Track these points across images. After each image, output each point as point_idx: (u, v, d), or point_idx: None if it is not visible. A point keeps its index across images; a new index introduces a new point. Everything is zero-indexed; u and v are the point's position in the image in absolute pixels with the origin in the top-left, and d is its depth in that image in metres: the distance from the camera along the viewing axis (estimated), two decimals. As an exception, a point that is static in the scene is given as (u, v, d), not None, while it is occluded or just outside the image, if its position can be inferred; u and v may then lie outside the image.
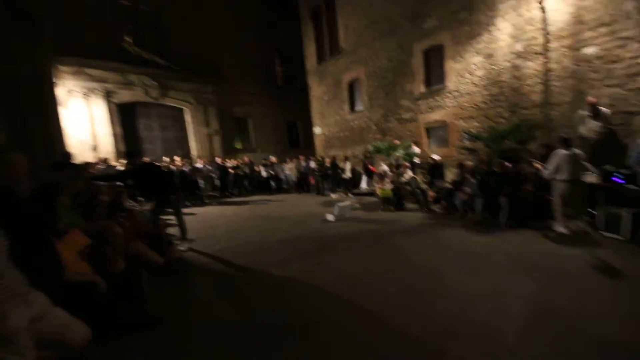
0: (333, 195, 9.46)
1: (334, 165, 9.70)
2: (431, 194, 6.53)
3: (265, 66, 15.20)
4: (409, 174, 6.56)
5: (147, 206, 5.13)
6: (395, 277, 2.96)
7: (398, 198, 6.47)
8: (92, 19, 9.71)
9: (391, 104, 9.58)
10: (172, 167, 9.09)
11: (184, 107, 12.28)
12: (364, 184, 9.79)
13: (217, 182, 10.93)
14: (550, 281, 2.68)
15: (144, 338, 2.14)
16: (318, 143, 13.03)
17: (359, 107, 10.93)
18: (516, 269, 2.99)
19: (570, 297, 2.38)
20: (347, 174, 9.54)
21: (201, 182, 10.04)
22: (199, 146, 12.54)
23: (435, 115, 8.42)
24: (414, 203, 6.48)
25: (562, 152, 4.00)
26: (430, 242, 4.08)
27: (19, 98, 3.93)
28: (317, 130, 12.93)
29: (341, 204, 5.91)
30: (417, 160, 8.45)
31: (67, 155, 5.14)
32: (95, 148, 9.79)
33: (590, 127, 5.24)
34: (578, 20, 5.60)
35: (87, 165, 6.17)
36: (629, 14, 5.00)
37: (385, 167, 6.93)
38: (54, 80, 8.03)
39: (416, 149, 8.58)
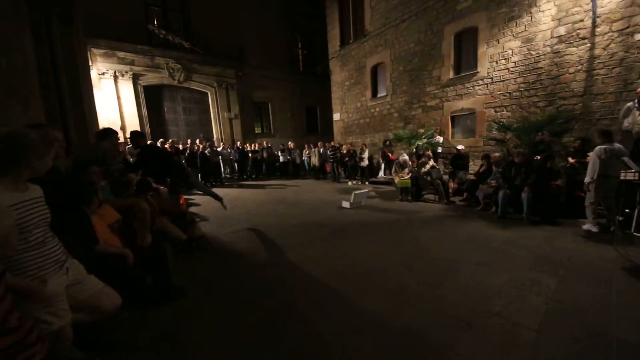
0: (350, 183, 9.42)
1: (352, 152, 9.59)
2: (452, 185, 6.32)
3: (287, 50, 15.00)
4: (430, 163, 6.35)
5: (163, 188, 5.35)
6: (409, 268, 2.93)
7: (417, 188, 6.32)
8: (120, 1, 9.92)
9: (416, 90, 9.21)
10: (194, 149, 9.44)
11: (207, 91, 12.48)
12: (382, 173, 9.65)
13: (236, 165, 11.24)
14: (573, 279, 2.55)
15: (166, 308, 2.30)
16: (337, 129, 12.88)
17: (382, 93, 10.61)
18: (537, 266, 2.87)
19: (593, 296, 2.26)
20: (365, 162, 9.42)
21: (221, 165, 10.37)
22: (220, 130, 12.79)
23: (463, 103, 8.01)
24: (434, 194, 6.31)
25: (603, 147, 3.71)
26: (448, 234, 3.98)
27: (57, 79, 4.13)
28: (336, 116, 12.75)
29: (357, 192, 5.86)
30: (440, 149, 8.17)
31: (110, 133, 5.34)
32: (123, 129, 10.25)
33: (636, 120, 4.77)
34: (632, 2, 5.03)
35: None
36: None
37: (405, 157, 6.74)
38: (89, 62, 8.39)
39: (439, 138, 8.27)
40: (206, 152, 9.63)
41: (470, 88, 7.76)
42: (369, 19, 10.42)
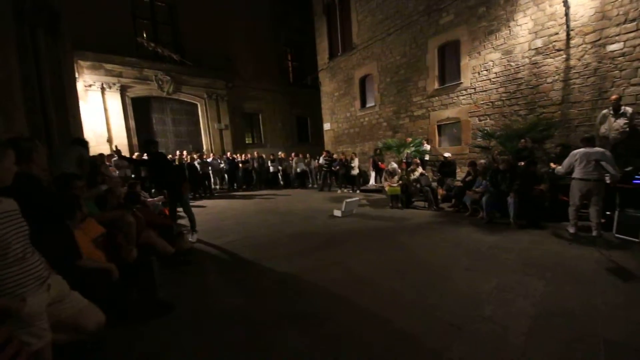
0: (339, 191, 9.46)
1: (344, 161, 9.67)
2: (441, 192, 6.43)
3: (277, 62, 15.22)
4: (418, 171, 6.47)
5: (158, 198, 5.28)
6: (400, 274, 2.94)
7: (407, 196, 6.40)
8: (108, 14, 9.95)
9: (403, 100, 9.45)
10: (182, 160, 9.32)
11: (197, 102, 12.46)
12: (372, 181, 9.74)
13: (226, 176, 11.15)
14: (560, 281, 2.61)
15: (153, 324, 2.22)
16: (327, 139, 13.01)
17: (370, 103, 10.83)
18: (525, 269, 2.93)
19: (580, 298, 2.32)
20: (356, 171, 9.50)
21: (211, 176, 10.26)
22: (210, 141, 12.73)
23: (449, 113, 8.25)
24: (423, 201, 6.40)
25: (581, 150, 3.86)
26: (438, 240, 4.02)
27: (42, 92, 4.07)
28: (327, 126, 12.91)
29: (349, 200, 5.89)
30: (427, 157, 8.33)
31: (84, 142, 5.32)
32: (110, 141, 10.07)
33: (612, 127, 5.04)
34: (603, 16, 5.36)
35: (102, 157, 6.37)
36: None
37: (394, 165, 6.86)
38: (75, 74, 8.29)
39: (427, 147, 8.46)
40: (195, 163, 9.53)
41: (455, 98, 8.02)
42: (357, 33, 10.73)
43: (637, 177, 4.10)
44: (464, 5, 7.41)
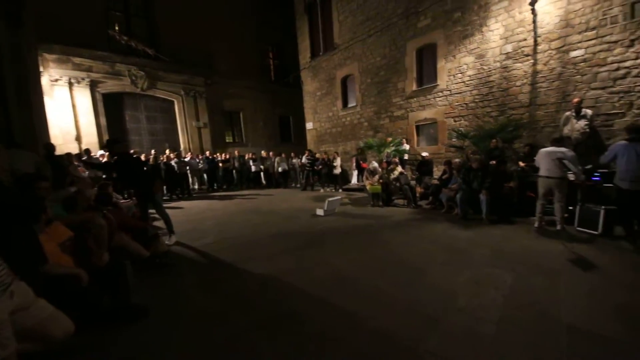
0: (322, 190, 9.51)
1: (327, 160, 9.73)
2: (419, 190, 6.64)
3: (258, 60, 15.01)
4: (398, 170, 6.64)
5: (131, 199, 5.06)
6: (381, 271, 3.01)
7: (387, 194, 6.55)
8: (77, 5, 9.38)
9: (383, 101, 9.63)
10: (157, 159, 8.96)
11: (173, 99, 12.03)
12: (354, 180, 9.87)
13: (205, 176, 10.85)
14: (528, 273, 2.78)
15: (127, 330, 2.13)
16: (310, 138, 13.01)
17: (352, 103, 10.94)
18: (496, 262, 3.10)
19: (545, 288, 2.49)
20: (338, 170, 9.59)
21: (189, 176, 9.94)
22: (187, 139, 12.34)
23: (426, 114, 8.52)
24: (402, 199, 6.58)
25: (546, 149, 4.15)
26: (416, 237, 4.16)
27: (2, 86, 3.77)
28: (309, 125, 12.91)
29: (331, 199, 5.94)
30: (406, 157, 8.56)
31: (50, 147, 4.98)
32: (78, 139, 9.51)
33: (574, 128, 5.41)
34: (567, 24, 5.73)
35: (69, 157, 6.01)
36: (615, 19, 5.15)
37: (375, 164, 7.00)
38: (40, 69, 7.74)
39: (406, 146, 8.68)
40: (172, 162, 9.19)
41: (432, 99, 8.29)
42: (338, 33, 10.80)
43: (596, 174, 4.45)
44: (440, 10, 7.67)
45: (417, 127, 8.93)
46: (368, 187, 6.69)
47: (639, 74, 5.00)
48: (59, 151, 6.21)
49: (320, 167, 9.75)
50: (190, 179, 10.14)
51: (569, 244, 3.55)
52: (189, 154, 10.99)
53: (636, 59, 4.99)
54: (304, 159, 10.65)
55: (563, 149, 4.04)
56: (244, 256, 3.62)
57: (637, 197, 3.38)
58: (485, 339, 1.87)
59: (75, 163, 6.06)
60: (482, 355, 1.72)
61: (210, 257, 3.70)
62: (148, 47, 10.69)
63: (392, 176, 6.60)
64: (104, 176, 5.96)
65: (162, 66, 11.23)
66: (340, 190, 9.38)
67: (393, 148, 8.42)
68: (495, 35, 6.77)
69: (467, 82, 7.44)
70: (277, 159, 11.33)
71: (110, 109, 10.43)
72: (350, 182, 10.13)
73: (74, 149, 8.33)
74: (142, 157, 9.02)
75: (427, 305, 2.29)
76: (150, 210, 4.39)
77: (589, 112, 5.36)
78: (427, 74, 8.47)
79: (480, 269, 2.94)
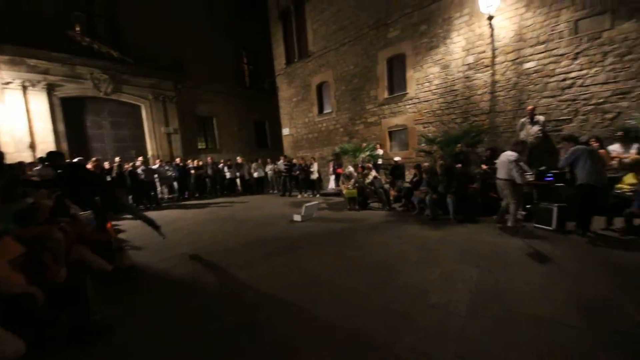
0: (299, 196, 9.50)
1: (304, 166, 9.74)
2: (393, 193, 6.86)
3: (232, 64, 14.80)
4: (373, 174, 6.83)
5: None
6: (357, 273, 3.06)
7: (363, 198, 6.70)
8: (33, 3, 8.71)
9: (357, 107, 9.88)
10: (121, 167, 8.45)
11: (140, 104, 11.47)
12: (332, 184, 9.95)
13: (175, 185, 10.38)
14: (491, 268, 2.98)
15: (87, 350, 1.98)
16: (287, 144, 12.97)
17: (328, 109, 11.10)
18: (463, 259, 3.28)
19: (507, 280, 2.68)
20: (315, 175, 9.64)
21: (157, 184, 9.44)
22: (156, 146, 11.78)
23: (397, 120, 8.86)
24: (377, 202, 6.75)
25: (505, 154, 4.49)
26: (391, 238, 4.29)
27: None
28: (285, 131, 12.88)
29: (308, 204, 5.95)
30: (380, 161, 8.82)
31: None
32: (32, 146, 8.74)
33: (529, 133, 5.92)
34: (520, 38, 6.29)
35: (22, 166, 5.51)
36: (561, 34, 5.75)
37: (351, 168, 7.15)
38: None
39: (380, 151, 8.95)
40: (138, 170, 8.68)
41: (402, 107, 8.66)
42: (312, 41, 10.98)
43: (549, 175, 4.87)
44: (408, 22, 8.09)
45: (390, 133, 9.25)
46: (344, 191, 6.80)
47: (583, 84, 5.61)
48: (10, 160, 5.67)
49: (297, 172, 9.73)
50: (158, 188, 9.65)
51: (527, 239, 3.84)
52: (158, 160, 10.46)
53: (580, 70, 5.61)
54: (280, 165, 10.58)
55: (510, 153, 4.35)
56: (217, 266, 3.51)
57: (597, 192, 3.76)
58: (455, 332, 1.97)
59: (30, 172, 5.56)
60: (453, 348, 1.81)
61: (180, 269, 3.53)
62: (113, 49, 10.16)
63: (367, 180, 6.77)
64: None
65: (129, 69, 10.70)
66: (318, 196, 9.42)
67: (368, 153, 8.64)
68: (458, 47, 7.25)
69: (433, 91, 7.87)
70: (252, 165, 11.16)
71: (70, 114, 9.71)
72: (327, 187, 10.20)
73: (27, 158, 7.64)
74: (106, 165, 8.50)
75: (401, 304, 2.37)
76: (116, 223, 4.12)
77: (542, 118, 5.90)
78: (397, 83, 8.84)
79: (449, 266, 3.10)
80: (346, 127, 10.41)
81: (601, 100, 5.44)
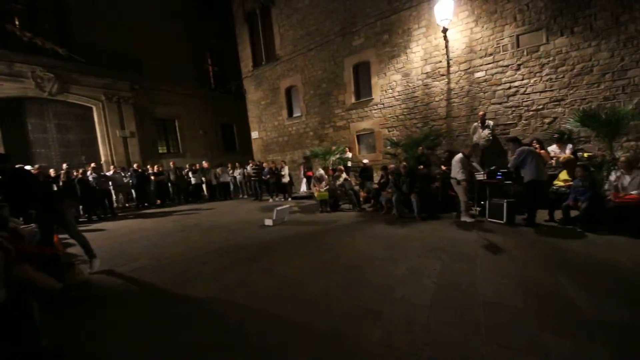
0: (271, 200, 9.38)
1: (274, 170, 9.64)
2: (362, 194, 7.09)
3: (195, 65, 14.25)
4: (343, 176, 7.00)
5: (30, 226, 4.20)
6: (328, 273, 3.11)
7: (334, 199, 6.82)
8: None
9: (326, 112, 10.05)
10: (70, 175, 7.69)
11: (92, 105, 10.56)
12: (303, 187, 9.97)
13: (133, 192, 9.67)
14: (452, 260, 3.22)
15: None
16: (256, 148, 12.75)
17: (297, 113, 11.14)
18: (426, 253, 3.51)
19: (466, 271, 2.91)
20: (286, 178, 9.59)
21: (112, 193, 8.74)
22: (110, 150, 10.92)
23: (364, 124, 9.18)
24: (348, 203, 6.91)
25: (458, 156, 4.93)
26: (360, 237, 4.44)
27: None
28: (254, 134, 12.65)
29: (279, 208, 5.91)
30: (349, 164, 9.05)
31: None
32: (-42, 152, 7.61)
33: (480, 136, 6.48)
34: (471, 50, 6.89)
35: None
36: (505, 47, 6.40)
37: (321, 171, 7.25)
38: None
39: (349, 154, 9.19)
40: (89, 178, 7.96)
41: (369, 112, 9.01)
42: (279, 44, 10.97)
43: (499, 174, 5.36)
44: (371, 32, 8.46)
45: (358, 137, 9.54)
46: (316, 194, 6.87)
47: (525, 92, 6.30)
48: None
49: (267, 176, 9.61)
50: (114, 196, 8.93)
51: (482, 233, 4.20)
52: (112, 167, 9.68)
53: (522, 80, 6.30)
54: (249, 169, 10.36)
55: (457, 155, 4.96)
56: (181, 278, 3.32)
57: (542, 186, 4.39)
58: (420, 322, 2.09)
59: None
60: (419, 338, 1.92)
61: (140, 283, 3.27)
62: (59, 46, 9.25)
63: (338, 182, 6.91)
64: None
65: (78, 68, 9.83)
66: (289, 199, 9.37)
67: (337, 156, 8.83)
68: (417, 57, 7.74)
69: (396, 97, 8.29)
70: (218, 169, 10.78)
71: (7, 116, 8.66)
72: (300, 190, 10.19)
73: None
74: (52, 173, 7.68)
75: (369, 300, 2.45)
76: (63, 235, 3.73)
77: (491, 123, 6.51)
78: (363, 88, 9.18)
79: (414, 260, 3.28)
80: (316, 130, 10.52)
81: (540, 106, 6.16)
